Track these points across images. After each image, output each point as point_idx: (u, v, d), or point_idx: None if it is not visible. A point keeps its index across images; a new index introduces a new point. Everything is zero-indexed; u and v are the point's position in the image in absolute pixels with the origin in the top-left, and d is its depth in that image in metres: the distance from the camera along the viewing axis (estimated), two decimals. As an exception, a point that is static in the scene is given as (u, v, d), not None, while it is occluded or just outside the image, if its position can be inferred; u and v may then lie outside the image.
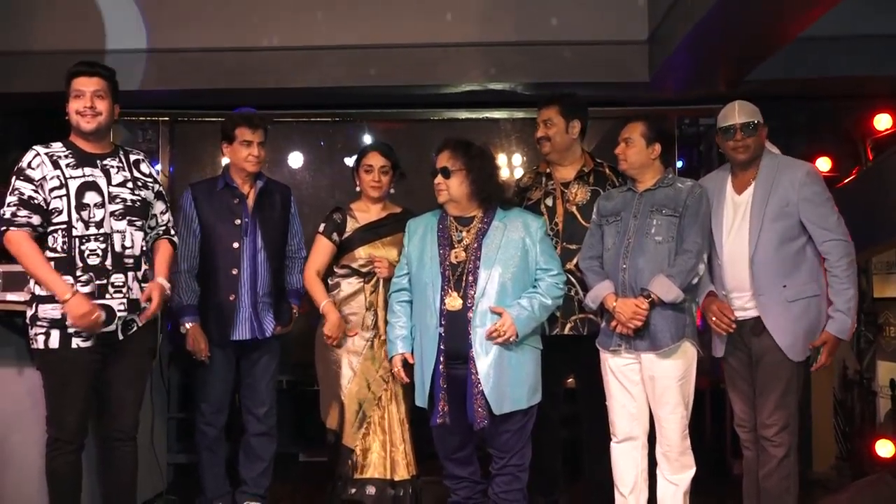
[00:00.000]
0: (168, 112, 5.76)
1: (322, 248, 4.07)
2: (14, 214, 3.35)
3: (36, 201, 3.38)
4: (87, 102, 3.43)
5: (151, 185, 3.63)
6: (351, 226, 4.05)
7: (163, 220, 3.70)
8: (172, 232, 3.77)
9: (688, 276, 3.57)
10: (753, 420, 3.63)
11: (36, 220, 3.37)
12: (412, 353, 3.70)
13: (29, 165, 3.40)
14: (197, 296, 4.04)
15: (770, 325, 3.51)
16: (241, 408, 4.20)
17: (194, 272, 4.05)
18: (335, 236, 4.06)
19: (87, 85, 3.45)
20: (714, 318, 3.60)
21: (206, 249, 4.06)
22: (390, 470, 3.91)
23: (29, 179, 3.38)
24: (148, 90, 5.28)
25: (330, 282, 4.10)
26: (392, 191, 4.17)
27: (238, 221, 4.05)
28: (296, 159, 5.91)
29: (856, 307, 3.52)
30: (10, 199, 3.38)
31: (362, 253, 4.02)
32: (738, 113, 3.63)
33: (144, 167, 3.66)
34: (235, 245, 4.02)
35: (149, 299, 3.50)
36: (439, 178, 3.67)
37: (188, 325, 3.99)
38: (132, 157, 3.63)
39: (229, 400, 4.17)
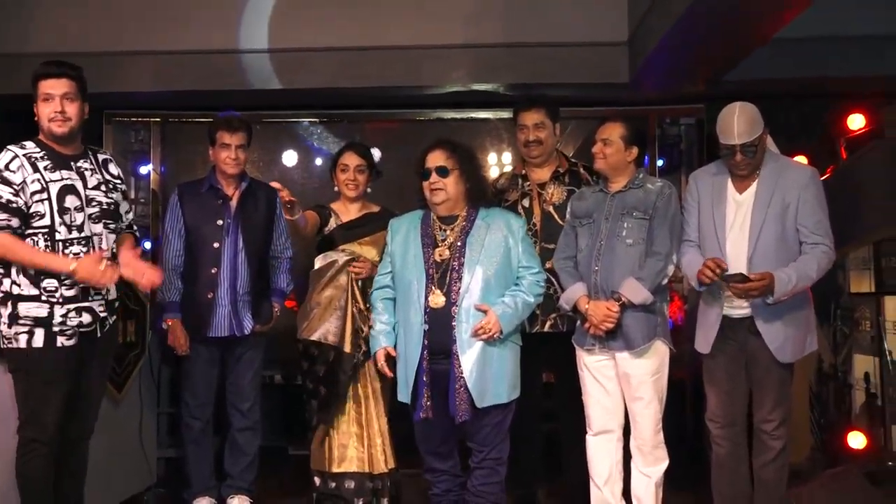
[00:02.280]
0: (160, 113, 5.76)
1: (309, 211, 4.02)
2: None
3: (15, 205, 3.21)
4: (56, 107, 3.27)
5: (120, 186, 3.52)
6: (332, 223, 4.04)
7: (127, 219, 3.60)
8: (135, 227, 3.69)
9: (657, 279, 3.57)
10: (728, 416, 3.62)
11: (15, 223, 3.21)
12: (395, 348, 3.67)
13: (7, 168, 3.22)
14: (180, 293, 4.07)
15: (760, 326, 3.48)
16: (226, 403, 4.20)
17: (179, 270, 4.08)
18: (322, 213, 4.05)
19: (55, 88, 3.27)
20: (700, 274, 3.45)
21: (190, 249, 4.08)
22: (368, 464, 3.91)
23: (7, 182, 3.20)
24: (140, 91, 5.28)
25: (310, 287, 4.11)
26: (369, 190, 4.14)
27: (220, 222, 4.04)
28: (286, 159, 5.90)
29: (792, 293, 3.39)
30: None
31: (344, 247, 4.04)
32: (737, 131, 3.42)
33: (113, 167, 3.55)
34: (216, 245, 4.03)
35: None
36: (435, 178, 3.60)
37: (169, 321, 4.02)
38: (101, 157, 3.50)
39: (214, 394, 4.18)
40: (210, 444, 4.21)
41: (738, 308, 3.53)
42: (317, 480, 3.95)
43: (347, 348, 3.95)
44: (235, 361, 4.12)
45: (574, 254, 3.77)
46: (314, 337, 3.97)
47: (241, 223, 4.06)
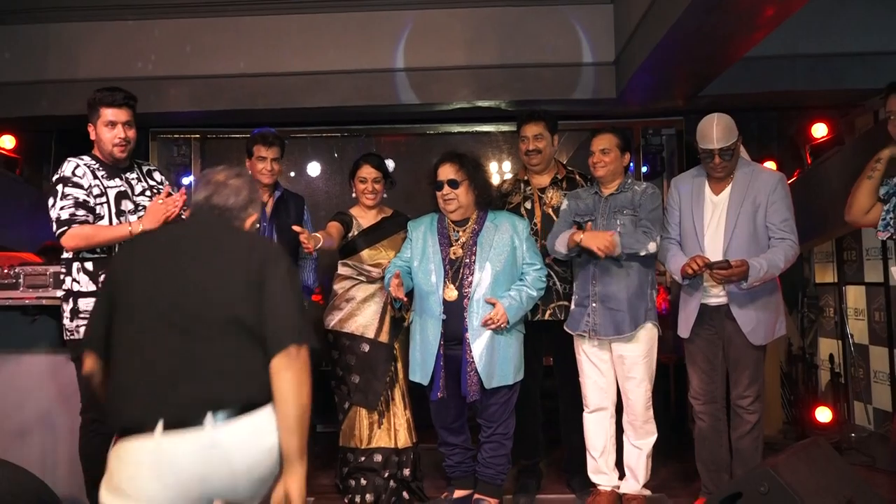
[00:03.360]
0: (199, 130, 5.81)
1: (333, 223, 4.00)
2: (73, 215, 3.24)
3: (90, 204, 3.29)
4: (120, 134, 3.36)
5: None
6: (355, 227, 4.05)
7: None
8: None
9: (636, 244, 3.57)
10: (708, 394, 3.65)
11: (91, 219, 3.28)
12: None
13: (74, 174, 3.30)
14: None
15: (735, 312, 3.51)
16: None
17: None
18: (345, 221, 4.02)
19: (118, 116, 3.36)
20: (686, 266, 3.47)
21: None
22: (394, 439, 3.94)
23: (79, 186, 3.28)
24: (182, 111, 5.33)
25: (335, 285, 4.10)
26: (385, 195, 4.17)
27: (257, 225, 4.06)
28: (310, 170, 5.96)
29: (762, 280, 3.41)
30: (63, 203, 3.26)
31: (366, 256, 4.01)
32: (716, 137, 3.47)
33: (157, 175, 3.63)
34: None
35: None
36: (447, 189, 3.63)
37: None
38: (145, 168, 3.59)
39: None
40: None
41: (715, 297, 3.56)
42: (349, 456, 3.97)
43: (384, 339, 3.94)
44: None
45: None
46: (346, 329, 3.96)
47: (274, 226, 4.09)
